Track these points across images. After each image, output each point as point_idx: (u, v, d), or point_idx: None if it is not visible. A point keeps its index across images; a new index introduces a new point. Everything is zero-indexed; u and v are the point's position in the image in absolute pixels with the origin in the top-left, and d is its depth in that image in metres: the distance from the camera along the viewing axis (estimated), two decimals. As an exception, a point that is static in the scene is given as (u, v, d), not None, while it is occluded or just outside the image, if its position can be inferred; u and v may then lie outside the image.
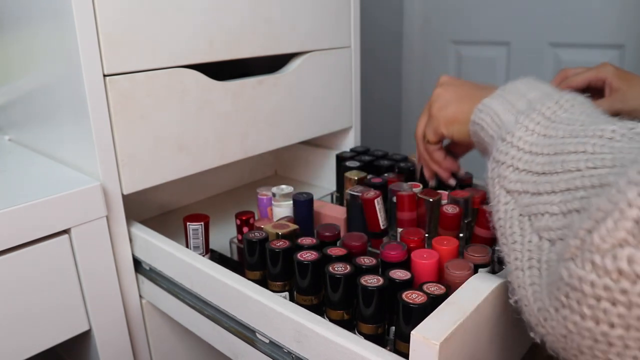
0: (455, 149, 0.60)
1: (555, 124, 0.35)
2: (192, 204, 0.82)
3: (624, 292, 0.24)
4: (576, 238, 0.27)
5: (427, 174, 0.62)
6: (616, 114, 0.54)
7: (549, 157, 0.33)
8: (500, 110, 0.41)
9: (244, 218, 0.59)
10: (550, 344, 0.31)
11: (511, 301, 0.34)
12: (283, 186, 0.61)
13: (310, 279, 0.45)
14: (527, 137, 0.36)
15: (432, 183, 0.62)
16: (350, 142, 0.86)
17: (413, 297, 0.38)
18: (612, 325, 0.26)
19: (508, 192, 0.36)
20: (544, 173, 0.33)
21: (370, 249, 0.56)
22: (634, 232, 0.24)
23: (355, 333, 0.41)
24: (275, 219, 0.58)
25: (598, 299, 0.25)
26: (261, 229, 0.52)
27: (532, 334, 0.32)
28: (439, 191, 0.59)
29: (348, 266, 0.43)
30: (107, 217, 0.55)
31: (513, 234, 0.35)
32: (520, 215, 0.34)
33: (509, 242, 0.35)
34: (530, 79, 0.44)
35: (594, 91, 0.61)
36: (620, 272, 0.24)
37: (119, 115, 0.54)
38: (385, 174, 0.66)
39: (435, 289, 0.40)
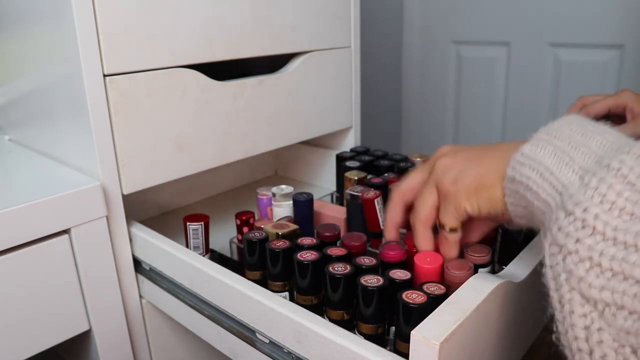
0: (471, 231, 0.45)
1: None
2: (192, 204, 0.82)
3: None
4: None
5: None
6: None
7: None
8: (552, 164, 0.31)
9: (244, 218, 0.59)
10: None
11: None
12: (283, 186, 0.61)
13: (310, 279, 0.45)
14: (608, 216, 0.26)
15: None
16: (350, 142, 0.86)
17: (413, 297, 0.38)
18: None
19: (587, 300, 0.26)
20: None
21: (370, 249, 0.56)
22: None
23: (355, 333, 0.41)
24: (275, 219, 0.58)
25: None
26: (261, 229, 0.52)
27: None
28: None
29: (348, 266, 0.43)
30: (107, 217, 0.55)
31: None
32: (615, 341, 0.24)
33: None
34: (573, 116, 0.33)
35: (614, 118, 0.60)
36: None
37: (119, 115, 0.54)
38: (385, 174, 0.66)
39: (435, 289, 0.40)
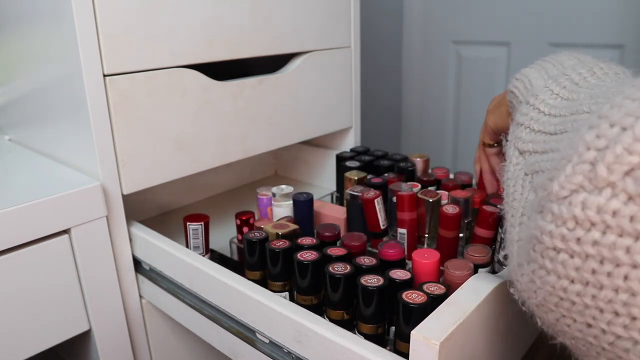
0: None
1: (581, 88, 0.34)
2: (192, 204, 0.82)
3: (578, 241, 0.23)
4: (544, 189, 0.25)
5: (487, 183, 0.60)
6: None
7: (564, 118, 0.32)
8: (533, 77, 0.40)
9: (244, 218, 0.59)
10: (525, 300, 0.30)
11: (500, 256, 0.34)
12: (283, 186, 0.61)
13: (310, 279, 0.45)
14: (550, 100, 0.35)
15: (427, 239, 0.58)
16: (350, 142, 0.86)
17: (413, 297, 0.38)
18: (571, 280, 0.24)
19: (521, 153, 0.35)
20: (555, 133, 0.32)
21: (370, 249, 0.56)
22: (589, 176, 0.22)
23: (355, 333, 0.41)
24: (275, 219, 0.58)
25: (557, 250, 0.24)
26: (261, 229, 0.52)
27: (511, 290, 0.32)
28: (438, 191, 0.59)
29: (348, 266, 0.43)
30: (107, 217, 0.55)
31: (514, 192, 0.34)
32: (525, 174, 0.34)
33: (509, 200, 0.34)
34: (571, 52, 0.42)
35: None
36: (576, 219, 0.23)
37: (119, 115, 0.54)
38: (385, 174, 0.66)
39: (435, 289, 0.40)
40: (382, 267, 0.46)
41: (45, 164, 0.61)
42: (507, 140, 0.38)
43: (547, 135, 0.33)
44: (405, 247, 0.54)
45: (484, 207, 0.52)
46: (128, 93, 0.54)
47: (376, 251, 0.55)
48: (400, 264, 0.46)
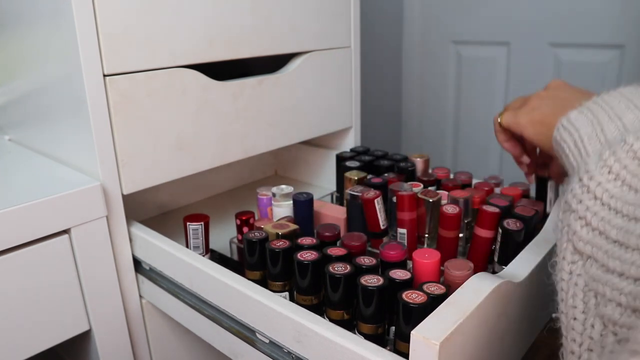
0: (544, 159, 0.54)
1: None
2: (192, 204, 0.82)
3: None
4: (637, 355, 0.22)
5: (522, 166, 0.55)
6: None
7: (627, 221, 0.27)
8: (585, 134, 0.34)
9: (244, 218, 0.59)
10: None
11: None
12: (283, 186, 0.61)
13: (310, 279, 0.45)
14: (609, 184, 0.29)
15: (427, 239, 0.57)
16: (350, 142, 0.86)
17: (413, 297, 0.38)
18: None
19: (576, 250, 0.30)
20: (617, 242, 0.27)
21: (370, 249, 0.56)
22: None
23: (355, 333, 0.41)
24: (275, 219, 0.58)
25: None
26: (261, 229, 0.52)
27: None
28: (439, 191, 0.59)
29: (348, 266, 0.43)
30: (107, 217, 0.55)
31: (575, 308, 0.29)
32: (586, 286, 0.29)
33: (568, 314, 0.29)
34: (629, 88, 0.36)
35: None
36: None
37: (119, 115, 0.54)
38: (385, 174, 0.66)
39: (435, 289, 0.40)
40: (383, 268, 0.46)
41: (45, 164, 0.61)
42: (558, 219, 0.32)
43: (608, 241, 0.28)
44: (405, 247, 0.54)
45: (484, 207, 0.52)
46: (128, 93, 0.54)
47: (376, 251, 0.56)
48: (402, 265, 0.46)
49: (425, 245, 0.57)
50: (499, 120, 0.50)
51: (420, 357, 0.33)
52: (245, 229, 0.59)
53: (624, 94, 0.36)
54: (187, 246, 0.59)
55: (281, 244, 0.48)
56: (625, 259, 0.26)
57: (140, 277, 0.60)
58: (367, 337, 0.41)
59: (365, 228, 0.57)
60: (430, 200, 0.55)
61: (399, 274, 0.43)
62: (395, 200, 0.56)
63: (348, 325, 0.43)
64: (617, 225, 0.27)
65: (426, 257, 0.44)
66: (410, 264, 0.47)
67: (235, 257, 0.62)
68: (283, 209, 0.60)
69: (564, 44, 1.34)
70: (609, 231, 0.28)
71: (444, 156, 1.64)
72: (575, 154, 0.35)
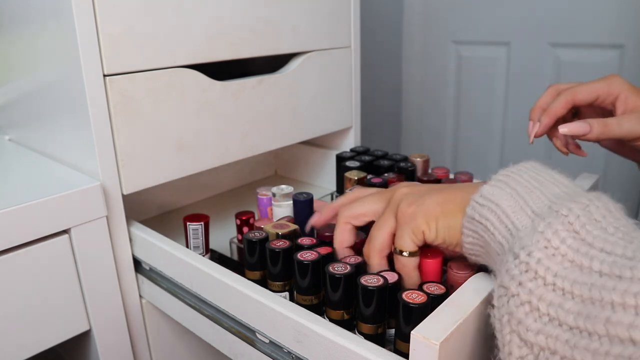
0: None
1: (587, 246, 0.26)
2: (192, 204, 0.82)
3: None
4: None
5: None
6: (636, 138, 0.46)
7: (584, 303, 0.24)
8: (508, 207, 0.31)
9: (244, 218, 0.59)
10: None
11: None
12: (283, 186, 0.61)
13: (310, 279, 0.45)
14: (550, 262, 0.26)
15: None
16: (350, 142, 0.86)
17: (413, 297, 0.38)
18: None
19: (525, 342, 0.26)
20: (578, 328, 0.24)
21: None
22: None
23: (355, 333, 0.41)
24: (275, 219, 0.58)
25: None
26: (261, 229, 0.52)
27: None
28: None
29: (348, 266, 0.43)
30: (107, 217, 0.55)
31: None
32: None
33: None
34: (532, 162, 0.35)
35: (596, 109, 0.52)
36: None
37: (119, 115, 0.54)
38: (385, 174, 0.66)
39: (435, 289, 0.40)
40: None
41: (45, 164, 0.61)
42: (494, 307, 0.29)
43: (567, 329, 0.24)
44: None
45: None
46: (128, 93, 0.54)
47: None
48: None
49: None
50: (405, 258, 0.41)
51: (420, 357, 0.33)
52: (245, 229, 0.59)
53: (526, 165, 0.34)
54: (187, 246, 0.59)
55: (281, 244, 0.48)
56: (594, 347, 0.23)
57: (140, 277, 0.60)
58: (367, 337, 0.41)
59: (362, 227, 0.57)
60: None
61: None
62: None
63: (348, 325, 0.43)
64: (572, 310, 0.24)
65: (429, 256, 0.44)
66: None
67: (235, 257, 0.62)
68: (283, 209, 0.60)
69: (564, 44, 1.34)
70: (564, 317, 0.25)
71: (444, 156, 1.64)
72: (503, 231, 0.31)
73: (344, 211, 0.46)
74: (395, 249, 0.41)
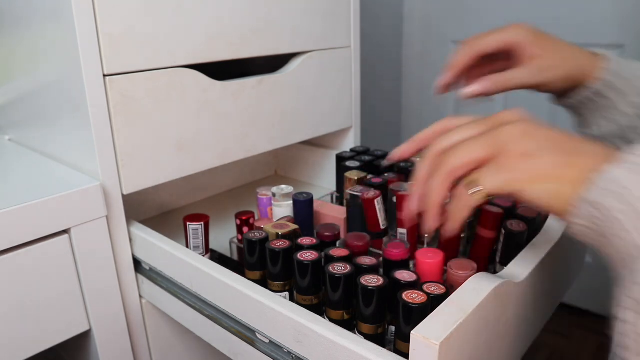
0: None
1: None
2: (192, 204, 0.82)
3: None
4: None
5: (430, 222, 0.37)
6: (536, 87, 0.50)
7: None
8: None
9: (244, 218, 0.59)
10: None
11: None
12: (283, 186, 0.61)
13: (310, 279, 0.45)
14: None
15: (428, 239, 0.52)
16: (350, 142, 0.86)
17: (413, 297, 0.38)
18: None
19: None
20: None
21: (370, 249, 0.56)
22: None
23: (355, 333, 0.41)
24: (275, 219, 0.58)
25: None
26: (261, 229, 0.52)
27: None
28: None
29: (348, 266, 0.43)
30: (107, 217, 0.55)
31: None
32: None
33: None
34: None
35: (503, 56, 0.51)
36: None
37: (119, 115, 0.54)
38: (385, 174, 0.66)
39: (435, 289, 0.40)
40: (386, 267, 0.46)
41: (45, 164, 0.61)
42: (623, 321, 0.26)
43: None
44: (408, 245, 0.54)
45: (487, 207, 0.51)
46: (128, 93, 0.54)
47: (377, 251, 0.56)
48: (405, 264, 0.46)
49: (426, 245, 0.57)
50: (474, 195, 0.34)
51: (420, 357, 0.33)
52: (245, 229, 0.59)
53: None
54: (187, 246, 0.59)
55: (281, 244, 0.48)
56: None
57: (140, 277, 0.60)
58: (367, 337, 0.41)
59: (365, 228, 0.57)
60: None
61: (400, 274, 0.43)
62: (395, 200, 0.56)
63: (348, 325, 0.43)
64: None
65: (430, 257, 0.44)
66: (411, 263, 0.47)
67: (235, 257, 0.62)
68: (283, 209, 0.60)
69: (564, 44, 1.34)
70: None
71: (444, 156, 1.64)
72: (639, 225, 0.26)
73: (447, 159, 0.35)
74: (470, 182, 0.34)
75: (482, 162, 0.34)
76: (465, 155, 0.34)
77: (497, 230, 0.51)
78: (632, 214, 0.27)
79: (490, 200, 0.37)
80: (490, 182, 0.33)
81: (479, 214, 0.53)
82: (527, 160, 0.32)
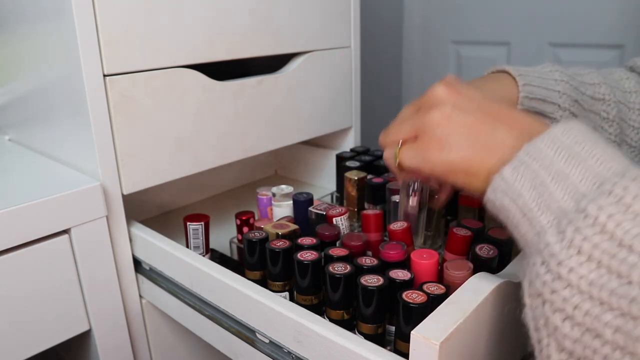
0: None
1: (626, 251, 0.24)
2: (192, 204, 0.82)
3: None
4: None
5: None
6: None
7: (625, 320, 0.23)
8: (531, 200, 0.29)
9: (244, 218, 0.59)
10: None
11: None
12: (283, 186, 0.61)
13: (310, 279, 0.45)
14: (582, 269, 0.25)
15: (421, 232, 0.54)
16: (350, 142, 0.86)
17: (413, 297, 0.38)
18: None
19: (563, 349, 0.26)
20: (616, 345, 0.23)
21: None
22: None
23: (355, 333, 0.41)
24: (275, 219, 0.58)
25: None
26: (261, 229, 0.52)
27: None
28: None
29: (348, 266, 0.43)
30: (107, 217, 0.55)
31: None
32: None
33: None
34: (560, 133, 0.30)
35: None
36: None
37: (119, 115, 0.54)
38: (385, 174, 0.66)
39: (435, 288, 0.40)
40: (383, 268, 0.46)
41: (45, 164, 0.61)
42: (526, 305, 0.28)
43: (605, 344, 0.24)
44: (405, 247, 0.53)
45: (454, 229, 0.48)
46: (128, 93, 0.54)
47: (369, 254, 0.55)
48: (402, 265, 0.46)
49: (421, 239, 0.56)
50: (395, 160, 0.39)
51: (420, 357, 0.33)
52: (245, 229, 0.59)
53: (557, 138, 0.30)
54: (187, 246, 0.59)
55: (281, 244, 0.48)
56: None
57: (140, 277, 0.60)
58: (367, 337, 0.41)
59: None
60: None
61: (399, 274, 0.43)
62: (394, 200, 0.56)
63: (348, 325, 0.43)
64: (611, 324, 0.23)
65: (424, 258, 0.44)
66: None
67: (235, 257, 0.62)
68: (283, 209, 0.60)
69: (564, 44, 1.34)
70: (601, 330, 0.23)
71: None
72: (527, 227, 0.29)
73: (382, 138, 0.42)
74: (397, 156, 0.39)
75: (409, 139, 0.39)
76: (394, 135, 0.40)
77: (465, 255, 0.48)
78: (517, 211, 0.30)
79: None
80: (408, 158, 0.38)
81: (446, 238, 0.50)
82: (441, 152, 0.35)
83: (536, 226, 0.29)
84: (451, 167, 0.35)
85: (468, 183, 0.35)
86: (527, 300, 0.28)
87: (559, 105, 0.51)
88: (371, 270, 0.43)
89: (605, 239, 0.25)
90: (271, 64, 0.72)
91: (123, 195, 0.56)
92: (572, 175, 0.28)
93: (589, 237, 0.25)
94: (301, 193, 0.59)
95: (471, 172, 0.34)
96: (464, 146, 0.35)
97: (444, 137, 0.35)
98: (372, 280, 0.41)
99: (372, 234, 0.53)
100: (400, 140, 0.39)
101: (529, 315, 0.28)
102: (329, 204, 0.57)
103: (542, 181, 0.29)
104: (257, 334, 0.46)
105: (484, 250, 0.45)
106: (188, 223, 0.58)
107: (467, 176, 0.35)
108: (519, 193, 0.30)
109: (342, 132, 0.86)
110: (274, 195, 0.60)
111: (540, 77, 0.53)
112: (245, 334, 0.48)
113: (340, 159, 0.73)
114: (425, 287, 0.40)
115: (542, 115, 0.52)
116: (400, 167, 0.39)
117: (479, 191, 0.35)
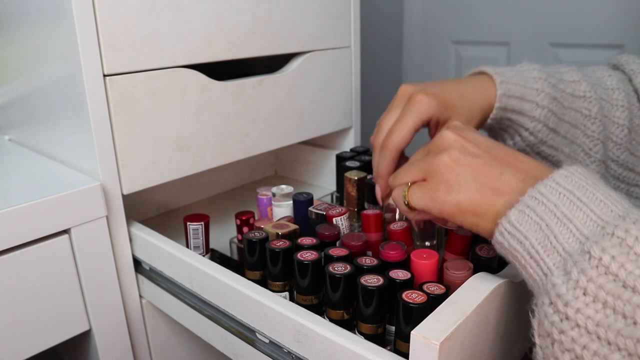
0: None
1: (626, 291, 0.25)
2: (192, 204, 0.82)
3: None
4: None
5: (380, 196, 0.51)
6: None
7: (630, 357, 0.24)
8: (538, 243, 0.31)
9: (244, 218, 0.59)
10: None
11: None
12: (283, 186, 0.61)
13: (310, 279, 0.45)
14: (589, 309, 0.26)
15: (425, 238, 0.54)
16: (350, 142, 0.86)
17: (413, 297, 0.38)
18: None
19: None
20: None
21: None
22: None
23: (355, 333, 0.41)
24: (275, 219, 0.58)
25: None
26: (261, 229, 0.52)
27: None
28: None
29: (348, 266, 0.43)
30: (107, 217, 0.55)
31: None
32: None
33: None
34: (562, 177, 0.32)
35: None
36: None
37: (119, 115, 0.54)
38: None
39: (435, 288, 0.40)
40: (383, 268, 0.46)
41: (45, 164, 0.61)
42: (536, 345, 0.30)
43: None
44: (405, 247, 0.53)
45: (455, 230, 0.48)
46: (128, 93, 0.54)
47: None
48: (402, 265, 0.46)
49: (426, 243, 0.57)
50: (404, 200, 0.40)
51: (420, 357, 0.33)
52: (245, 229, 0.59)
53: (559, 183, 0.31)
54: (187, 246, 0.59)
55: (281, 244, 0.48)
56: None
57: (140, 277, 0.60)
58: (367, 337, 0.41)
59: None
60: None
61: (399, 274, 0.43)
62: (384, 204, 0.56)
63: (348, 325, 0.43)
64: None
65: (424, 258, 0.44)
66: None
67: (235, 257, 0.62)
68: (283, 209, 0.60)
69: (564, 44, 1.34)
70: None
71: (444, 156, 1.64)
72: (534, 268, 0.31)
73: (393, 181, 0.43)
74: (404, 194, 0.40)
75: (417, 181, 0.40)
76: (403, 177, 0.41)
77: (465, 256, 0.48)
78: (525, 253, 0.32)
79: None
80: (416, 198, 0.39)
81: (446, 239, 0.50)
82: (449, 193, 0.37)
83: (543, 267, 0.30)
84: (459, 208, 0.36)
85: (475, 224, 0.36)
86: (536, 339, 0.29)
87: (537, 103, 0.52)
88: (371, 270, 0.43)
89: (610, 280, 0.26)
90: (271, 64, 0.72)
91: (123, 195, 0.56)
92: (575, 218, 0.30)
93: (594, 278, 0.26)
94: (301, 193, 0.59)
95: (478, 213, 0.36)
96: (472, 188, 0.36)
97: (452, 179, 0.37)
98: (372, 280, 0.41)
99: (372, 234, 0.53)
100: (410, 182, 0.40)
101: (539, 354, 0.29)
102: (329, 204, 0.57)
103: (547, 224, 0.30)
104: (257, 334, 0.46)
105: (484, 250, 0.45)
106: (188, 223, 0.58)
107: (474, 217, 0.36)
108: (525, 235, 0.31)
109: (342, 132, 0.86)
110: (274, 195, 0.60)
111: (518, 75, 0.53)
112: (245, 334, 0.48)
113: (340, 159, 0.73)
114: (425, 287, 0.40)
115: (520, 113, 0.53)
116: (409, 206, 0.40)
117: (487, 232, 0.36)
